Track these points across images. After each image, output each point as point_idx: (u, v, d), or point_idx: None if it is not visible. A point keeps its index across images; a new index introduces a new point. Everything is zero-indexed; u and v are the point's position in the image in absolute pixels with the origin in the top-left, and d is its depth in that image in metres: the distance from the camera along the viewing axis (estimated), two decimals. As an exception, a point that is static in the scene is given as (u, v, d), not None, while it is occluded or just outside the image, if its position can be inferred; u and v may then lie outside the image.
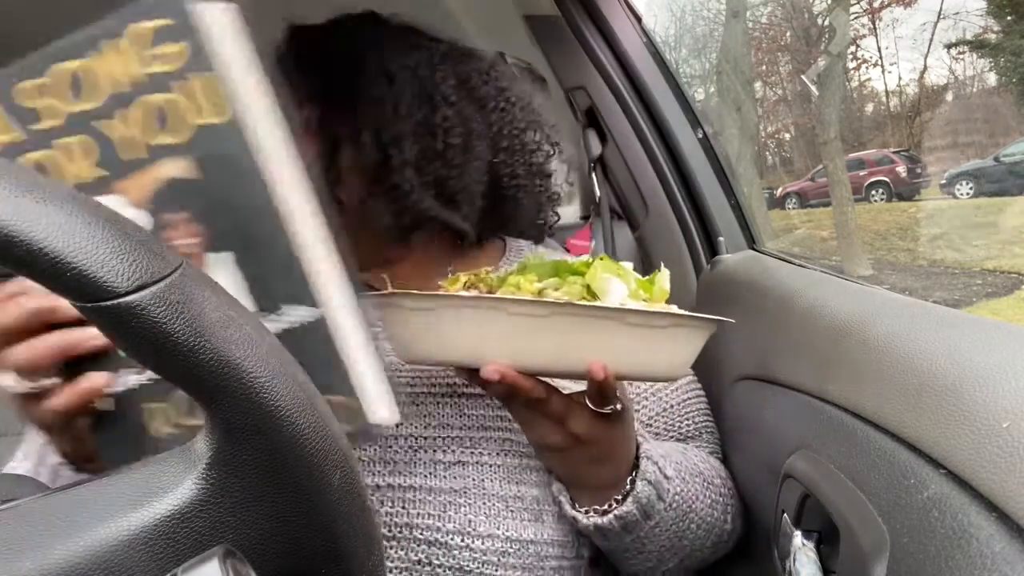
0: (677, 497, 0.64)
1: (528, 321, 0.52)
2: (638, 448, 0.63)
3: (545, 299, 0.52)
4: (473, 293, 0.57)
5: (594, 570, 0.70)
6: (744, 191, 1.13)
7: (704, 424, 0.80)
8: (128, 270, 0.29)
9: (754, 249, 1.04)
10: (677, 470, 0.66)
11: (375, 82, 0.74)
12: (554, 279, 0.56)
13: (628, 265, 0.59)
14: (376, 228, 0.76)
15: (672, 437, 0.77)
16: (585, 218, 1.84)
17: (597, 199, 1.26)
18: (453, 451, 0.67)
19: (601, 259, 0.56)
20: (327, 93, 0.75)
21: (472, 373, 0.56)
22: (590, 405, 0.57)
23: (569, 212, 1.97)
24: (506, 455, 0.67)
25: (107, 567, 0.32)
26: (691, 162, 1.07)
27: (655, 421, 0.76)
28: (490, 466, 0.67)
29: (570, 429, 0.58)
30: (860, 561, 0.44)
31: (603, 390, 0.55)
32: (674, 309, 0.56)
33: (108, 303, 0.29)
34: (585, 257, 0.58)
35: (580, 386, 0.58)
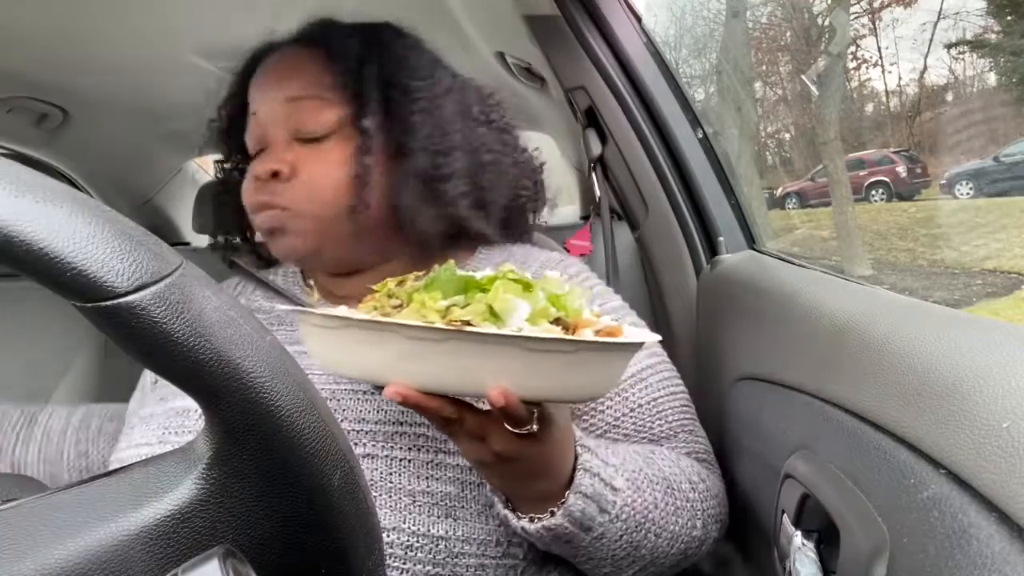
0: (627, 508, 0.63)
1: (425, 345, 0.51)
2: (577, 459, 0.62)
3: (435, 324, 0.51)
4: (372, 313, 0.55)
5: (540, 572, 0.69)
6: (744, 191, 1.13)
7: (681, 423, 0.77)
8: (128, 270, 0.29)
9: (754, 249, 1.04)
10: (632, 479, 0.64)
11: (425, 94, 0.80)
12: (461, 296, 0.54)
13: (554, 274, 0.57)
14: (408, 232, 0.80)
15: (644, 438, 0.74)
16: (585, 218, 1.83)
17: (597, 199, 1.26)
18: (364, 444, 0.67)
19: (505, 276, 0.54)
20: (359, 94, 0.78)
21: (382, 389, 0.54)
22: (506, 426, 0.55)
23: (569, 212, 1.97)
24: (418, 450, 0.67)
25: (107, 567, 0.32)
26: (691, 162, 1.06)
27: (622, 422, 0.74)
28: (400, 460, 0.66)
29: (491, 447, 0.56)
30: (860, 561, 0.44)
31: (509, 414, 0.53)
32: (588, 332, 0.53)
33: (108, 303, 0.29)
34: (515, 267, 0.56)
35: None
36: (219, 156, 0.93)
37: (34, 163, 1.66)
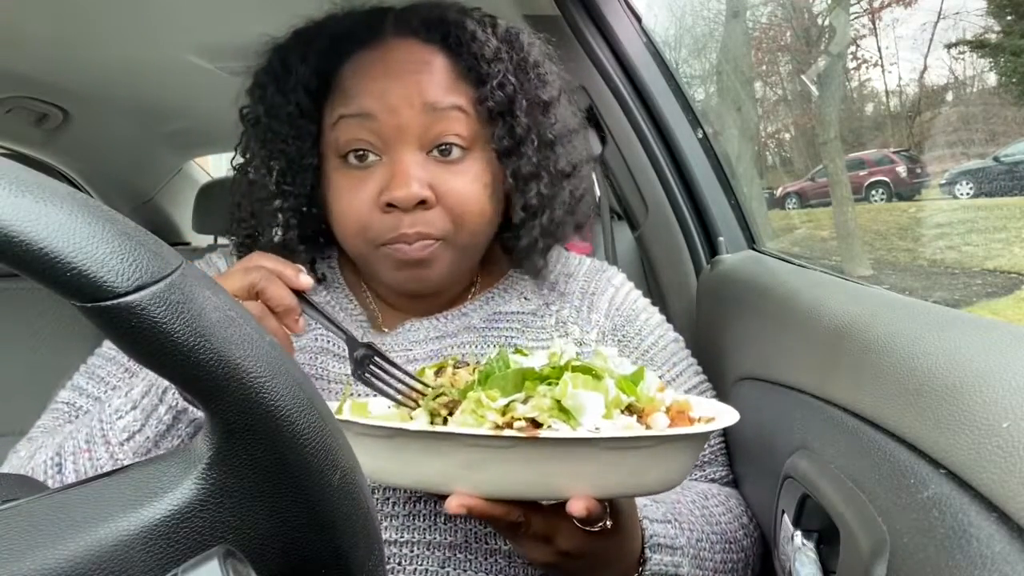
0: None
1: (490, 452, 0.48)
2: (646, 562, 0.59)
3: (504, 432, 0.47)
4: (416, 412, 0.52)
5: None
6: (744, 191, 1.13)
7: (719, 447, 0.78)
8: (128, 270, 0.29)
9: (754, 249, 1.04)
10: (696, 555, 0.63)
11: (555, 112, 0.74)
12: (520, 393, 0.50)
13: (611, 352, 0.54)
14: (507, 253, 0.77)
15: None
16: (585, 218, 1.83)
17: (597, 199, 1.26)
18: None
19: (572, 365, 0.51)
20: (497, 111, 0.71)
21: (443, 498, 0.51)
22: (577, 524, 0.53)
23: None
24: None
25: (107, 567, 0.32)
26: (691, 162, 1.07)
27: None
28: None
29: (557, 547, 0.54)
30: (860, 561, 0.44)
31: (589, 518, 0.50)
32: (660, 417, 0.50)
33: (108, 303, 0.29)
34: (562, 353, 0.53)
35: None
36: (228, 154, 0.83)
37: (34, 163, 1.66)
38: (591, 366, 0.52)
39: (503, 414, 0.49)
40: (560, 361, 0.53)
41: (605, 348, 0.56)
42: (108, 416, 0.58)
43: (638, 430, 0.49)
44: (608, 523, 0.53)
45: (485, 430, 0.48)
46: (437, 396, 0.53)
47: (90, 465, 0.57)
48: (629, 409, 0.51)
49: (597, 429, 0.48)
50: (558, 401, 0.48)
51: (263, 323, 0.58)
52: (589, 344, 0.75)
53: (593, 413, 0.48)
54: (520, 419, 0.48)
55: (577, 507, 0.48)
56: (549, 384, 0.50)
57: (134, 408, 0.58)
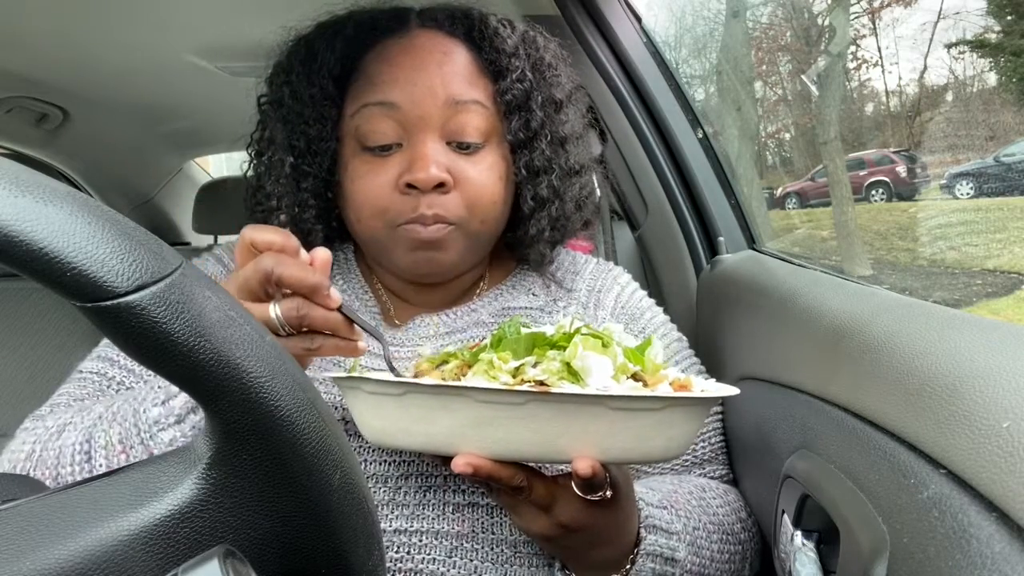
0: (686, 574, 0.62)
1: (501, 408, 0.48)
2: (641, 540, 0.60)
3: (516, 387, 0.48)
4: (437, 379, 0.52)
5: None
6: (744, 191, 1.13)
7: (720, 446, 0.78)
8: (128, 270, 0.29)
9: (754, 249, 1.04)
10: (692, 541, 0.63)
11: (568, 111, 0.77)
12: (531, 356, 0.51)
13: (617, 328, 0.55)
14: (514, 245, 0.78)
15: (687, 460, 0.76)
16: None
17: (597, 199, 1.26)
18: (464, 492, 0.65)
19: (581, 332, 0.52)
20: (514, 106, 0.73)
21: (447, 460, 0.51)
22: (577, 492, 0.53)
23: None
24: None
25: (107, 567, 0.32)
26: (691, 162, 1.07)
27: None
28: (502, 508, 0.64)
29: (556, 518, 0.54)
30: (860, 561, 0.44)
31: (591, 482, 0.51)
32: (665, 387, 0.51)
33: (108, 303, 0.29)
34: (572, 321, 0.54)
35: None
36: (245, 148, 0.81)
37: (34, 163, 1.66)
38: (600, 334, 0.53)
39: (514, 376, 0.50)
40: (569, 331, 0.54)
41: (612, 324, 0.56)
42: (146, 425, 0.54)
43: (644, 392, 0.50)
44: (608, 493, 0.54)
45: (498, 384, 0.48)
46: (443, 363, 0.54)
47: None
48: (635, 378, 0.52)
49: (605, 389, 0.49)
50: (567, 364, 0.49)
51: (308, 318, 0.54)
52: None
53: (601, 375, 0.49)
54: (530, 381, 0.49)
55: (583, 464, 0.49)
56: (559, 349, 0.51)
57: (179, 422, 0.54)
